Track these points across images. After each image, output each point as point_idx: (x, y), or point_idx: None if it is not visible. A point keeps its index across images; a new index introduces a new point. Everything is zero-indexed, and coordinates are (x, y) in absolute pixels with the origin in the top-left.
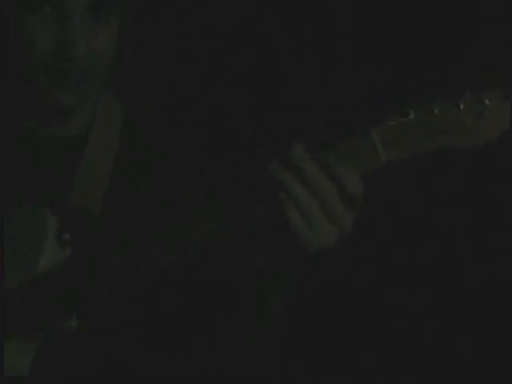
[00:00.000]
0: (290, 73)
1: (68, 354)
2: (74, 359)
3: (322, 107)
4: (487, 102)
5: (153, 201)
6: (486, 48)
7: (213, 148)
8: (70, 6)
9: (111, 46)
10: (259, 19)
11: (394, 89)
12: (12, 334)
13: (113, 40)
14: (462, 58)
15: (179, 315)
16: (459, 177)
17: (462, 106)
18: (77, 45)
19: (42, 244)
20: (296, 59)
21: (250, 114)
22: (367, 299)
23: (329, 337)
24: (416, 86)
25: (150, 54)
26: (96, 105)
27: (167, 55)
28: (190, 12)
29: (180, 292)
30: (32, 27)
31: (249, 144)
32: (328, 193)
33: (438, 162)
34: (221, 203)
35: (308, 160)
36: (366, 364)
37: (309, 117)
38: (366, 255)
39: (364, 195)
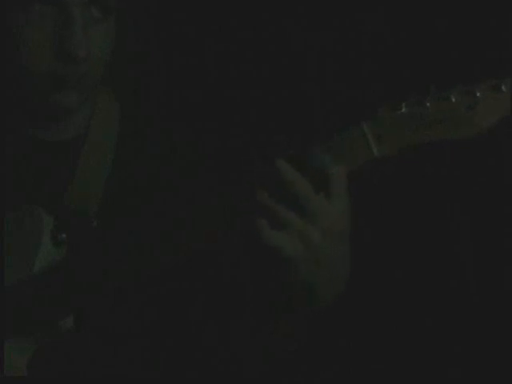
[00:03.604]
0: (286, 70)
1: (66, 354)
2: (72, 359)
3: (316, 103)
4: (478, 94)
5: (152, 201)
6: (478, 41)
7: (213, 148)
8: (71, 3)
9: (109, 44)
10: (258, 19)
11: (386, 83)
12: (11, 333)
13: (111, 39)
14: (454, 52)
15: (179, 315)
16: (461, 180)
17: (453, 99)
18: (79, 43)
19: (37, 243)
20: (292, 57)
21: (247, 113)
22: (368, 300)
23: (328, 337)
24: (408, 80)
25: (149, 54)
26: (94, 106)
27: (166, 56)
28: (189, 12)
29: (181, 292)
30: (32, 27)
31: (245, 141)
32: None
33: (440, 164)
34: (223, 203)
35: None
36: (366, 364)
37: (304, 113)
38: (367, 255)
39: (365, 196)
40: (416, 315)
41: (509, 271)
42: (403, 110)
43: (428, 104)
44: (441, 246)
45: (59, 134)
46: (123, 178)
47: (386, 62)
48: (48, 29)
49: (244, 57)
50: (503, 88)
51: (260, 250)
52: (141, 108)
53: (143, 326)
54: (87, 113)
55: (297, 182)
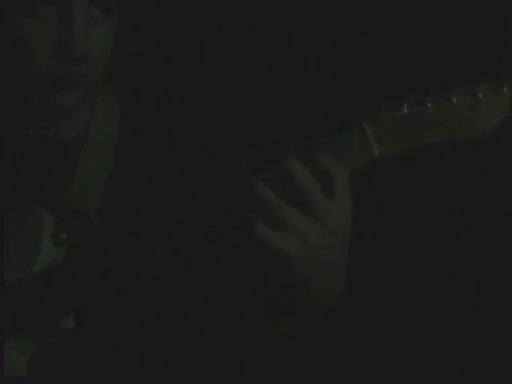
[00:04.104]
0: (286, 70)
1: (66, 354)
2: (72, 359)
3: (316, 103)
4: (480, 95)
5: (152, 201)
6: (478, 42)
7: (213, 148)
8: (71, 3)
9: (109, 44)
10: (258, 19)
11: (386, 83)
12: (11, 333)
13: (111, 39)
14: (454, 52)
15: (179, 315)
16: (461, 180)
17: (455, 100)
18: (80, 43)
19: (38, 243)
20: (292, 57)
21: (247, 113)
22: (368, 300)
23: (328, 337)
24: (409, 80)
25: (149, 54)
26: (94, 106)
27: (166, 56)
28: (189, 12)
29: (181, 292)
30: (32, 27)
31: (245, 141)
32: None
33: (440, 164)
34: (223, 203)
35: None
36: (366, 364)
37: (304, 113)
38: (367, 255)
39: (365, 196)
40: (416, 315)
41: (509, 271)
42: (405, 110)
43: (429, 104)
44: (441, 245)
45: (59, 134)
46: (123, 178)
47: (386, 61)
48: (48, 29)
49: (244, 57)
50: (504, 89)
51: (260, 250)
52: (141, 108)
53: (143, 326)
54: (87, 113)
55: (307, 180)
